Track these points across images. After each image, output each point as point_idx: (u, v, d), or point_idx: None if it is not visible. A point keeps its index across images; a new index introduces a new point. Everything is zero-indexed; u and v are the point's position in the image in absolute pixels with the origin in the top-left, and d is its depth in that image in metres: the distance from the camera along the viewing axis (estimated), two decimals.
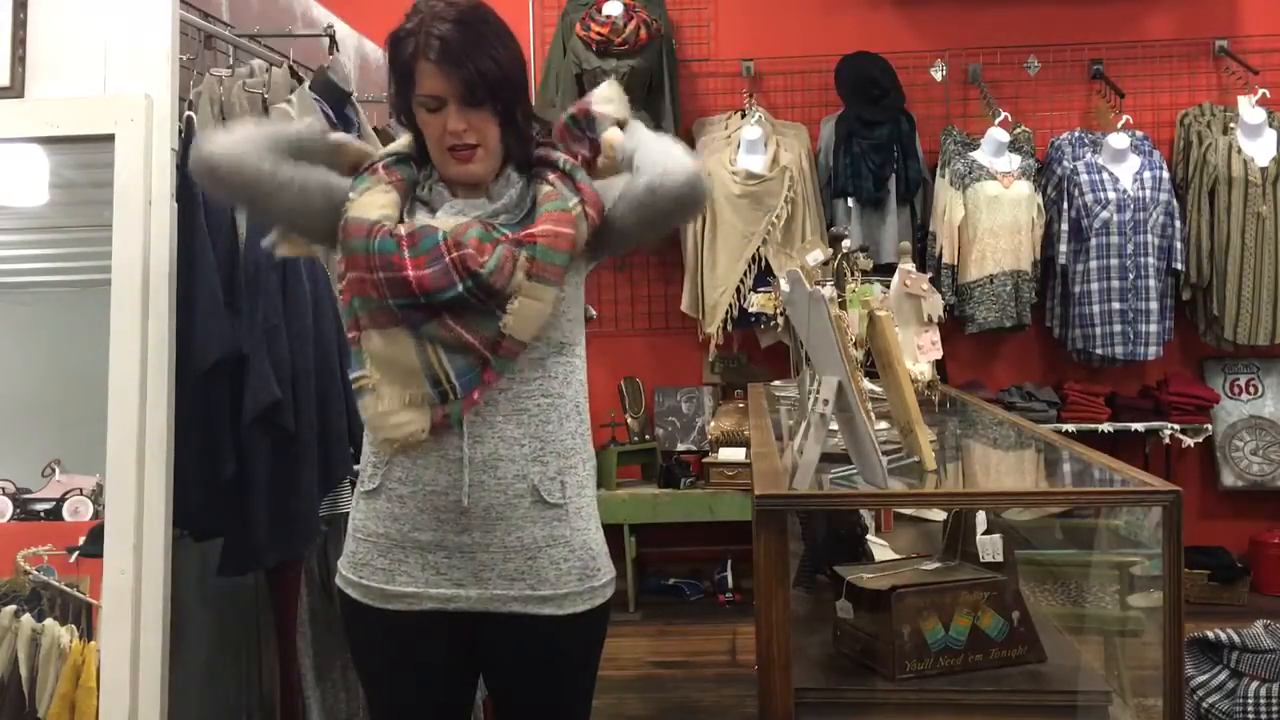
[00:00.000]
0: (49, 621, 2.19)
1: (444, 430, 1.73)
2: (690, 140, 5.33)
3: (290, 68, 2.94)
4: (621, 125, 1.84)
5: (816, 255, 2.97)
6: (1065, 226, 5.01)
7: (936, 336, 2.59)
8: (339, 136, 1.88)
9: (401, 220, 1.74)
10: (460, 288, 1.66)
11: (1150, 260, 4.95)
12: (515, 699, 1.85)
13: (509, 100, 1.75)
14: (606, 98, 1.87)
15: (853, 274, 2.66)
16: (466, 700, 1.91)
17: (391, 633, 1.78)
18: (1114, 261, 4.94)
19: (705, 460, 5.06)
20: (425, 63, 1.70)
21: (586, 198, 1.76)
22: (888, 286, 2.61)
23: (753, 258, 5.12)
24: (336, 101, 2.96)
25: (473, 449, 1.72)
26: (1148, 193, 4.95)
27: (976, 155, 5.08)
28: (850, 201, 5.07)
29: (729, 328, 5.19)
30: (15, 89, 2.26)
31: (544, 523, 1.76)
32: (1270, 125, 5.02)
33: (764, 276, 5.03)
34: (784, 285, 2.05)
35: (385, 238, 1.69)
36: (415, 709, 1.84)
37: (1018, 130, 5.18)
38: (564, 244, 1.72)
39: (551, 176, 1.77)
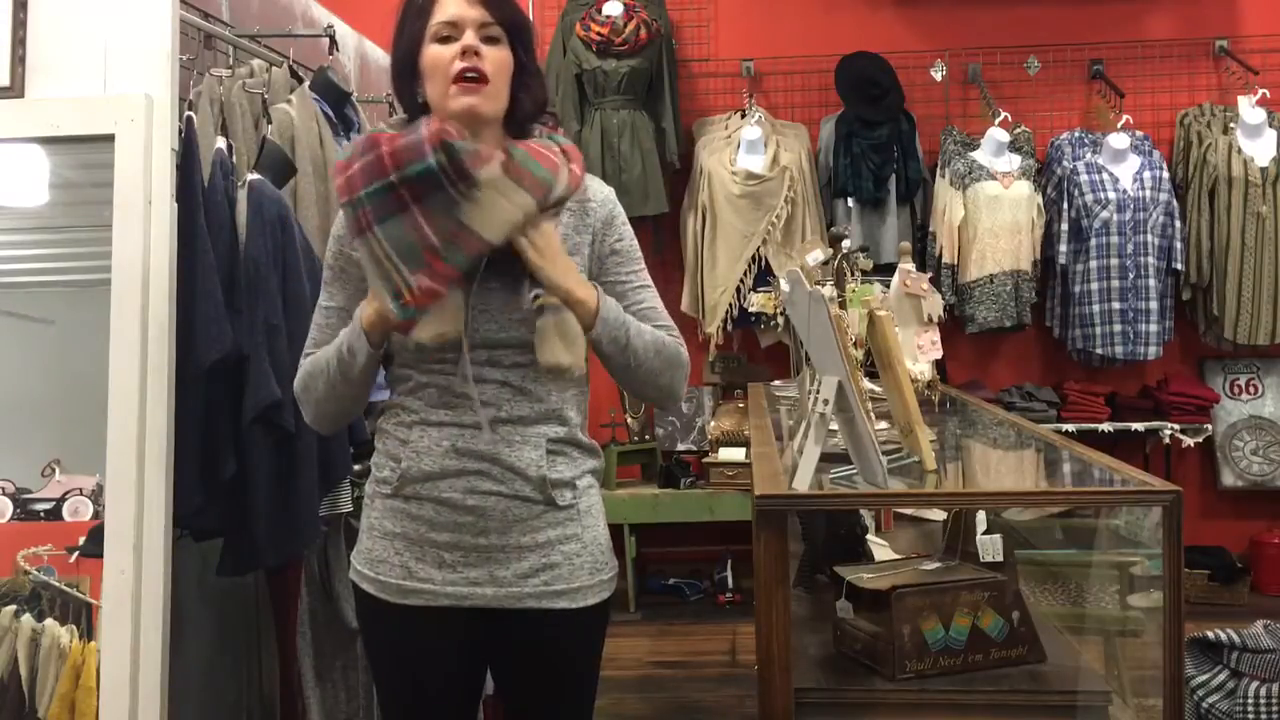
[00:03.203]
0: (49, 621, 2.19)
1: (446, 430, 1.75)
2: (690, 140, 5.34)
3: (290, 68, 2.94)
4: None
5: (816, 255, 2.97)
6: (1065, 226, 5.01)
7: (936, 336, 2.58)
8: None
9: None
10: (431, 159, 1.59)
11: (1150, 260, 4.95)
12: (526, 692, 1.86)
13: (524, 48, 1.76)
14: None
15: (853, 274, 2.66)
16: (476, 695, 1.93)
17: (407, 628, 1.80)
18: (1114, 261, 4.94)
19: (705, 460, 5.07)
20: None
21: (570, 154, 1.76)
22: (888, 286, 2.61)
23: (753, 258, 5.12)
24: (336, 101, 2.96)
25: (489, 465, 1.74)
26: (1148, 193, 4.95)
27: (976, 155, 5.08)
28: (850, 201, 5.08)
29: (729, 327, 5.20)
30: (15, 89, 2.26)
31: (558, 524, 1.79)
32: (1270, 125, 5.03)
33: (764, 276, 5.03)
34: (784, 285, 2.05)
35: (380, 128, 1.69)
36: (427, 704, 1.85)
37: (1018, 130, 5.18)
38: (544, 161, 1.68)
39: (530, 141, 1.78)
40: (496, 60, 1.73)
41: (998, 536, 2.20)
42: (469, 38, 1.71)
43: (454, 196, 1.61)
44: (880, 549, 2.57)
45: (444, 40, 1.72)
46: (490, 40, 1.73)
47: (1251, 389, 5.29)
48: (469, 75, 1.70)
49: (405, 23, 1.77)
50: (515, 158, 1.66)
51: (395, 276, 1.63)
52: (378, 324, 1.72)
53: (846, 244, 2.73)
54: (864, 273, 2.71)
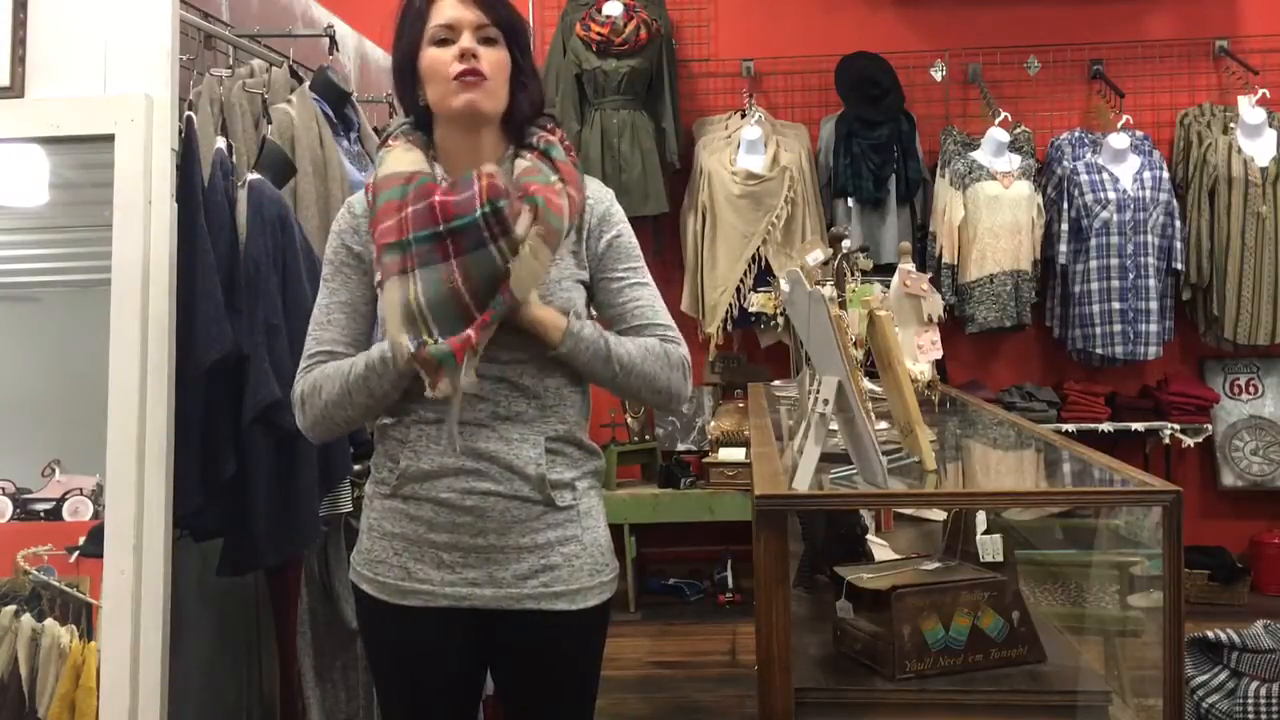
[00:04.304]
0: (49, 621, 2.19)
1: (446, 428, 1.74)
2: (690, 140, 5.34)
3: (290, 68, 2.94)
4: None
5: (816, 255, 2.97)
6: (1065, 226, 5.01)
7: (936, 336, 2.58)
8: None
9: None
10: (478, 213, 1.64)
11: (1150, 260, 4.95)
12: (526, 693, 1.86)
13: (520, 50, 1.78)
14: None
15: (853, 274, 2.66)
16: (476, 695, 1.93)
17: (406, 628, 1.80)
18: (1114, 261, 4.94)
19: (705, 460, 5.07)
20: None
21: (566, 176, 1.77)
22: (888, 286, 2.61)
23: (753, 258, 5.12)
24: (336, 101, 2.96)
25: (487, 464, 1.75)
26: (1148, 193, 4.95)
27: (976, 155, 5.08)
28: (850, 201, 5.08)
29: (729, 327, 5.20)
30: (15, 89, 2.26)
31: (557, 525, 1.79)
32: (1270, 125, 5.03)
33: (764, 276, 5.03)
34: (784, 285, 2.05)
35: (426, 177, 1.72)
36: (427, 704, 1.85)
37: (1018, 130, 5.18)
38: (556, 209, 1.71)
39: (529, 156, 1.78)
40: (494, 61, 1.74)
41: (998, 536, 2.20)
42: (466, 40, 1.73)
43: (494, 255, 1.65)
44: (880, 549, 2.57)
45: (442, 43, 1.74)
46: (487, 41, 1.75)
47: (1251, 389, 5.29)
48: (468, 76, 1.72)
49: (403, 27, 1.79)
50: (539, 205, 1.68)
51: (422, 328, 1.67)
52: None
53: (846, 244, 2.72)
54: (864, 273, 2.70)
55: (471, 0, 1.74)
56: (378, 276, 1.74)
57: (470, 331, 1.66)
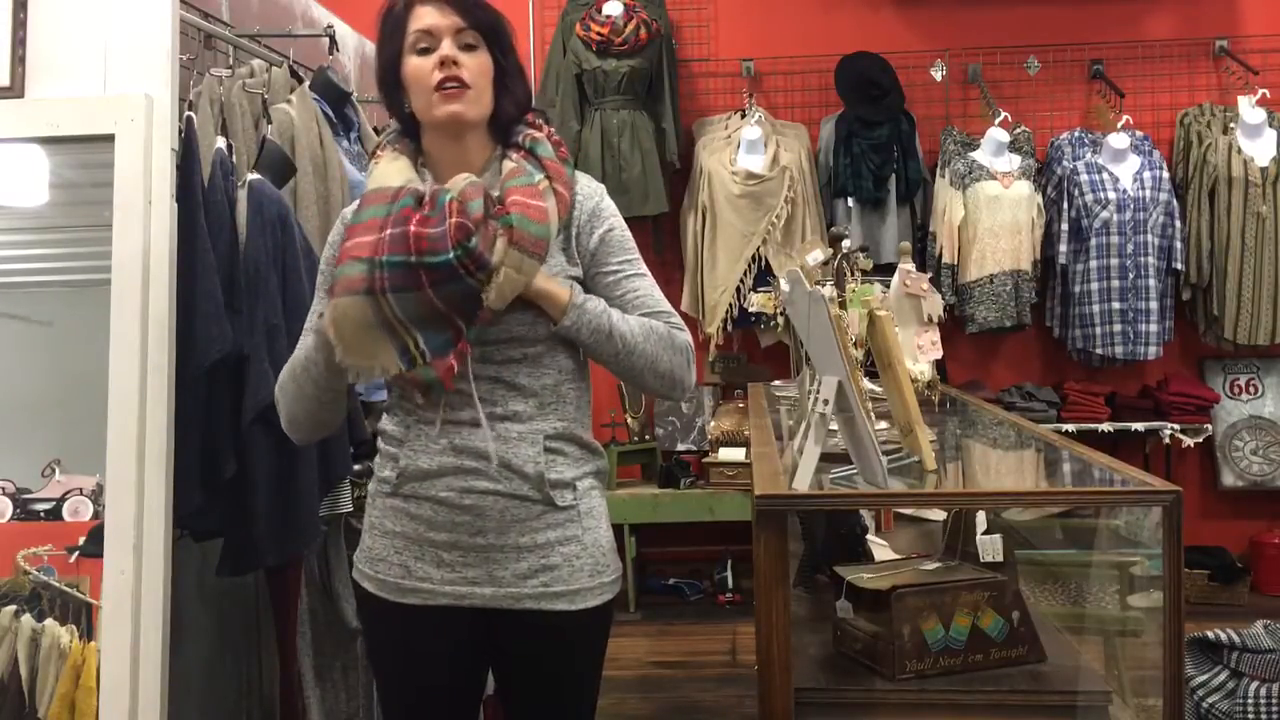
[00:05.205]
0: (49, 621, 2.19)
1: (444, 427, 1.75)
2: (690, 140, 5.34)
3: (290, 68, 2.94)
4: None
5: (816, 255, 2.97)
6: (1065, 226, 5.01)
7: (936, 336, 2.58)
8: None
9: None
10: (451, 255, 1.65)
11: (1150, 260, 4.95)
12: (526, 693, 1.86)
13: (501, 50, 1.77)
14: None
15: (853, 274, 2.65)
16: (477, 694, 1.93)
17: (406, 626, 1.80)
18: (1114, 261, 4.94)
19: (705, 460, 5.07)
20: (421, 6, 1.74)
21: (552, 173, 1.77)
22: (888, 286, 2.61)
23: (753, 258, 5.12)
24: (336, 101, 2.96)
25: (486, 463, 1.74)
26: (1148, 193, 4.95)
27: (976, 155, 5.08)
28: (850, 201, 5.08)
29: (729, 327, 5.20)
30: (15, 89, 2.26)
31: (557, 525, 1.79)
32: (1270, 125, 5.03)
33: (764, 276, 5.03)
34: (784, 285, 2.05)
35: (410, 195, 1.71)
36: (428, 702, 1.86)
37: (1018, 130, 5.18)
38: (536, 215, 1.71)
39: (515, 155, 1.78)
40: (475, 67, 1.74)
41: (998, 536, 2.20)
42: (446, 47, 1.72)
43: (472, 286, 1.67)
44: (880, 549, 2.57)
45: (423, 51, 1.74)
46: (467, 47, 1.74)
47: (1251, 389, 5.29)
48: (449, 85, 1.72)
49: (384, 35, 1.79)
50: (514, 224, 1.69)
51: (406, 339, 1.68)
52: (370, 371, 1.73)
53: (846, 244, 2.72)
54: (864, 273, 2.70)
55: (449, 5, 1.74)
56: (331, 282, 1.73)
57: (452, 360, 1.69)
